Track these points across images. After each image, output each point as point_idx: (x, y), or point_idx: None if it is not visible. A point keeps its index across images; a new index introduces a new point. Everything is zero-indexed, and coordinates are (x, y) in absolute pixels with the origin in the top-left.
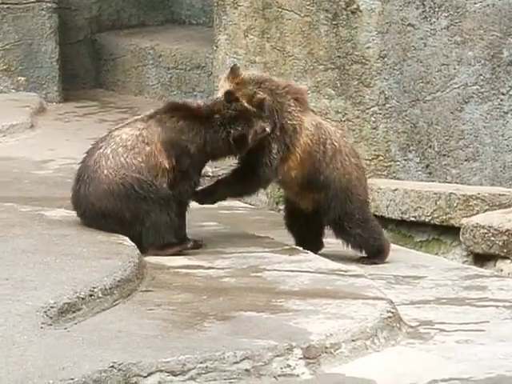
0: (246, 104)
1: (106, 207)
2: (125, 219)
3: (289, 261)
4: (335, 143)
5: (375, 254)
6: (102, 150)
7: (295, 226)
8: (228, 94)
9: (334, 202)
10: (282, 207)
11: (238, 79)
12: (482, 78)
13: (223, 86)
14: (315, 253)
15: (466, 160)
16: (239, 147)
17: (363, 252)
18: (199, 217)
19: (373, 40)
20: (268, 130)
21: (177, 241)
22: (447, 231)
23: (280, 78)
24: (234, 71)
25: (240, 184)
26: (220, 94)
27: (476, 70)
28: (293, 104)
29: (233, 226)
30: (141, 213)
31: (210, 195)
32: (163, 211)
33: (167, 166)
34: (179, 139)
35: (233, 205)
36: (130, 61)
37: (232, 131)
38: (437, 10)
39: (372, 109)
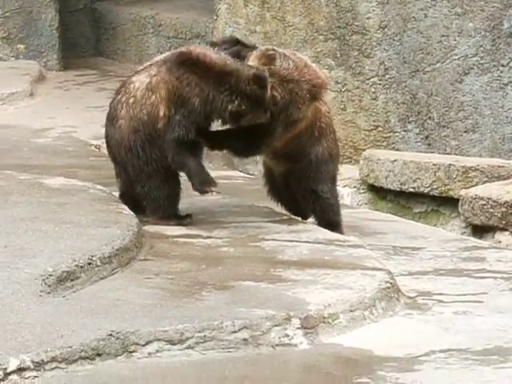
0: (267, 94)
1: (119, 155)
2: (130, 175)
3: (287, 231)
4: (323, 124)
5: (330, 227)
6: (119, 96)
7: (274, 191)
8: (260, 79)
9: (309, 171)
10: None
11: (270, 68)
12: (482, 49)
13: (255, 63)
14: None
15: (465, 131)
16: (230, 119)
17: (321, 221)
18: None
19: (373, 10)
20: (263, 120)
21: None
22: (446, 202)
23: (280, 47)
24: (270, 57)
25: (241, 144)
26: (249, 65)
27: (476, 41)
28: (306, 100)
29: (231, 195)
30: (143, 178)
31: (221, 143)
32: (164, 182)
33: (167, 115)
34: (184, 91)
35: (231, 174)
36: (130, 29)
37: (235, 103)
38: None
39: (372, 79)
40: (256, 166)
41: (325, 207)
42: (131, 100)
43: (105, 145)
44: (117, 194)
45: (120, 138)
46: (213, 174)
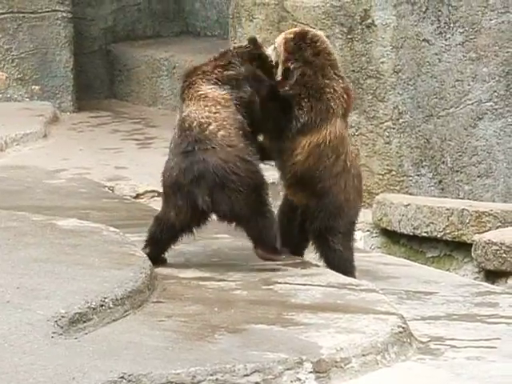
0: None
1: None
2: None
3: (300, 274)
4: (348, 162)
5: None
6: None
7: (285, 221)
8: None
9: (323, 213)
10: None
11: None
12: (496, 94)
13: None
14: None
15: (478, 176)
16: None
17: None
18: (211, 229)
19: (387, 55)
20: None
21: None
22: (459, 247)
23: None
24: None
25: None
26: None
27: (490, 86)
28: (335, 105)
29: (245, 238)
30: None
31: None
32: None
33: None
34: None
35: None
36: (144, 72)
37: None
38: (452, 25)
39: (386, 123)
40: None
41: (343, 255)
42: None
43: (118, 186)
44: (129, 235)
45: None
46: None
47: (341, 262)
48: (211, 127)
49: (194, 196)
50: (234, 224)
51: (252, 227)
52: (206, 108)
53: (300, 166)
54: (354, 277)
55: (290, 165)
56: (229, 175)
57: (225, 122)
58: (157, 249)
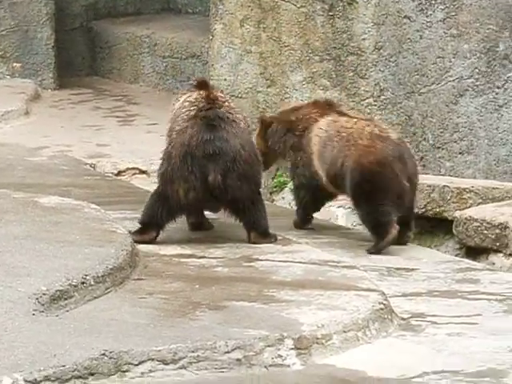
0: None
1: None
2: None
3: (281, 251)
4: None
5: None
6: None
7: None
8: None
9: None
10: (275, 197)
11: None
12: (477, 71)
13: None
14: None
15: (460, 153)
16: None
17: None
18: None
19: (369, 31)
20: None
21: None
22: (440, 224)
23: (276, 68)
24: None
25: None
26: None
27: (471, 63)
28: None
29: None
30: None
31: None
32: None
33: None
34: None
35: None
36: (125, 49)
37: None
38: (433, 2)
39: (367, 100)
40: None
41: None
42: None
43: (99, 163)
44: (111, 212)
45: None
46: None
47: None
48: (238, 115)
49: (207, 171)
50: (230, 208)
51: (251, 213)
52: None
53: None
54: None
55: None
56: (244, 161)
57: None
58: (157, 230)
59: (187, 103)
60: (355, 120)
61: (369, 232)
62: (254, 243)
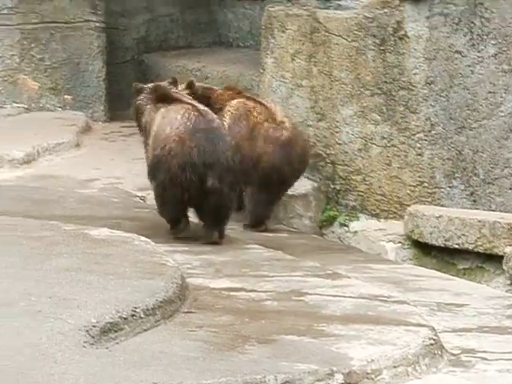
0: None
1: None
2: None
3: (331, 285)
4: None
5: None
6: None
7: None
8: None
9: None
10: (325, 231)
11: None
12: None
13: None
14: None
15: (510, 188)
16: None
17: None
18: (243, 240)
19: (420, 66)
20: None
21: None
22: (490, 259)
23: (326, 102)
24: None
25: None
26: None
27: None
28: None
29: (276, 249)
30: None
31: None
32: None
33: None
34: None
35: (277, 228)
36: None
37: None
38: (485, 37)
39: (418, 135)
40: (300, 219)
41: None
42: None
43: (149, 196)
44: (161, 245)
45: None
46: None
47: None
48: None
49: (206, 177)
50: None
51: (224, 216)
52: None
53: None
54: None
55: None
56: (233, 167)
57: None
58: (179, 222)
59: (179, 115)
60: None
61: None
62: (216, 243)
